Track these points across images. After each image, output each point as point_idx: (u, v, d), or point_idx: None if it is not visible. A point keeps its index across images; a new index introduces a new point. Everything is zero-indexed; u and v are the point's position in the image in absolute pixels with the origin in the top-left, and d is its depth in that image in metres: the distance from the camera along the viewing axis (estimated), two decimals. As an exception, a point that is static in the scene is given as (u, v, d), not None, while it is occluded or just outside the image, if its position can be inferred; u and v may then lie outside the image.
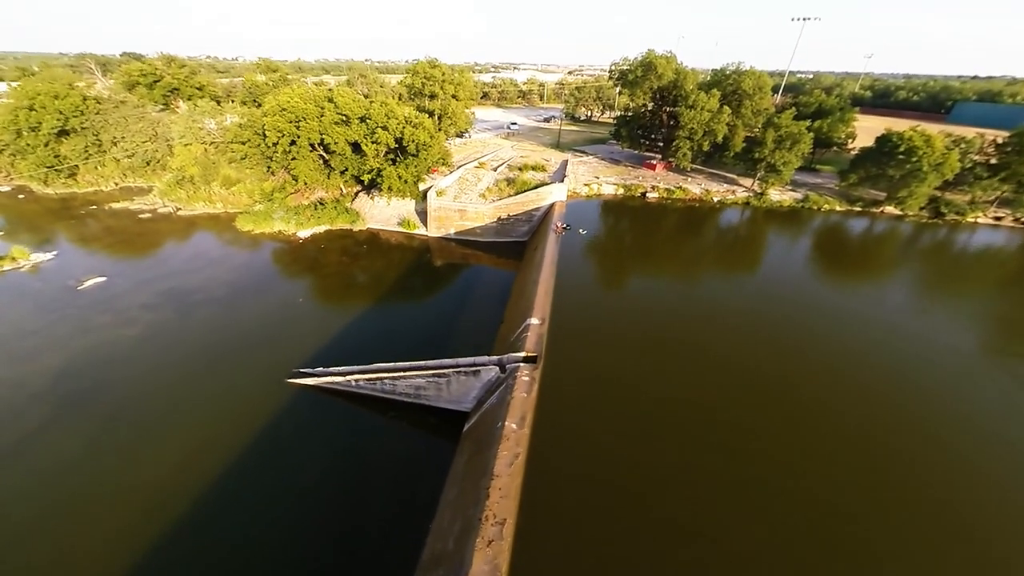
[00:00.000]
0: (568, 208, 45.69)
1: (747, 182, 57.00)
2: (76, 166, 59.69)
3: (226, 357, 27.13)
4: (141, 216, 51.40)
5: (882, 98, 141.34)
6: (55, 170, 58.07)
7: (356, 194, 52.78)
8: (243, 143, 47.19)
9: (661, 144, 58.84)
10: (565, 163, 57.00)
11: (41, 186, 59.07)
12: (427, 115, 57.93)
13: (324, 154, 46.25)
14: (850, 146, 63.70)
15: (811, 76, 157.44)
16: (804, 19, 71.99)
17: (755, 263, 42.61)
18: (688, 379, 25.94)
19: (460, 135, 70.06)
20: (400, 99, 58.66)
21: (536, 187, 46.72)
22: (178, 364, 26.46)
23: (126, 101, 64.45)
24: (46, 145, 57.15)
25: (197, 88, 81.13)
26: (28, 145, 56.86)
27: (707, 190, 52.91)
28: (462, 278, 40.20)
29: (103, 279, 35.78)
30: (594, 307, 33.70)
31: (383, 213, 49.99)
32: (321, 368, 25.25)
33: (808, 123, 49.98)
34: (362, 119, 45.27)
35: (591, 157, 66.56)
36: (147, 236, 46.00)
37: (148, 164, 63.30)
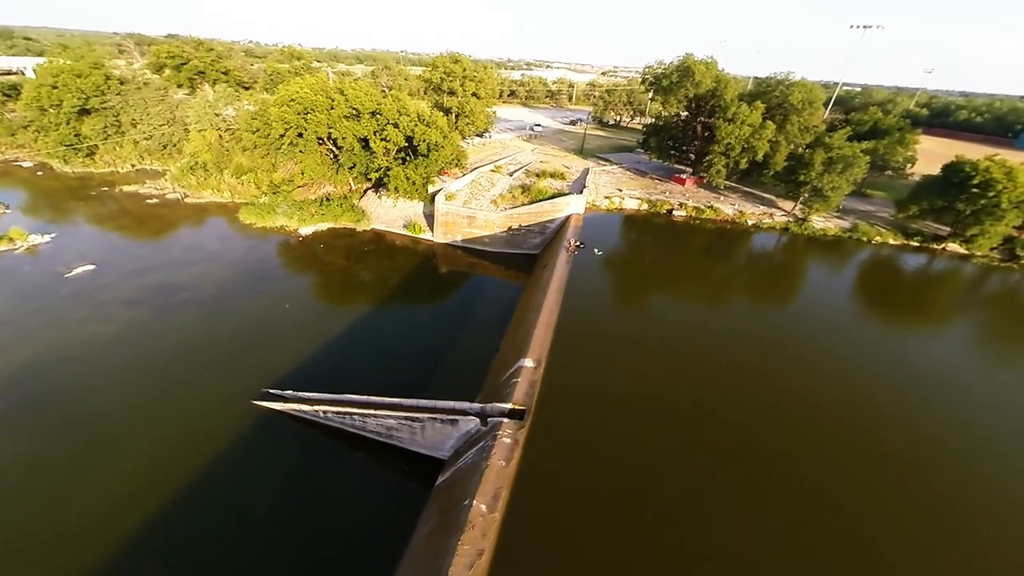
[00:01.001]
0: (585, 222, 42.20)
1: (787, 205, 51.38)
2: (96, 146, 59.72)
3: (198, 369, 25.08)
4: (149, 200, 50.62)
5: (940, 117, 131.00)
6: (74, 149, 58.16)
7: (365, 191, 50.68)
8: (253, 132, 45.57)
9: (692, 157, 54.46)
10: (586, 172, 53.37)
11: (61, 164, 59.30)
12: (444, 113, 55.47)
13: (334, 148, 44.11)
14: (909, 171, 57.63)
15: (859, 89, 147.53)
16: (864, 27, 65.41)
17: (792, 297, 38.16)
18: (713, 463, 20.40)
19: (480, 135, 67.25)
20: (418, 94, 56.23)
21: (552, 197, 43.42)
22: (147, 373, 24.56)
23: (149, 83, 64.25)
24: (67, 123, 57.31)
25: (223, 72, 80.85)
26: (51, 122, 57.15)
27: (741, 211, 47.96)
28: (464, 291, 37.40)
29: (92, 267, 34.53)
30: (602, 348, 28.70)
31: (389, 214, 47.67)
32: (291, 392, 22.85)
33: (862, 144, 44.41)
34: (373, 114, 42.92)
35: (615, 167, 62.30)
36: (149, 222, 44.98)
37: (165, 148, 62.94)
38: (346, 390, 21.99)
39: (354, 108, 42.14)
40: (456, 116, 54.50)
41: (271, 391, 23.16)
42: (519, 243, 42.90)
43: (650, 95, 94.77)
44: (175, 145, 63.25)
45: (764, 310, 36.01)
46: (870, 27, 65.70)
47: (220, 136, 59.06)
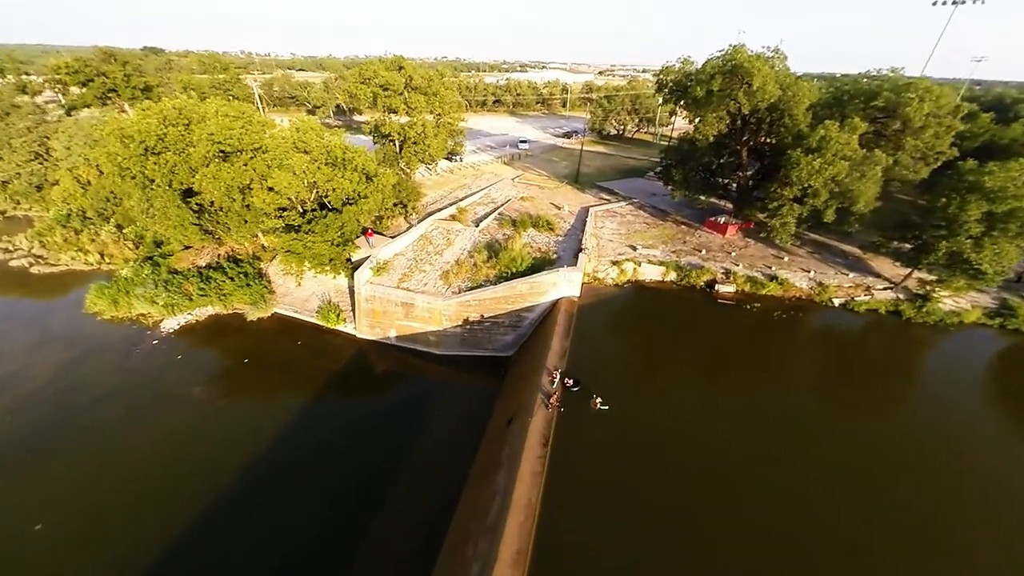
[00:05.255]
0: (582, 314, 27.27)
1: (882, 263, 33.12)
2: (-58, 191, 45.76)
3: None
4: (-26, 273, 36.45)
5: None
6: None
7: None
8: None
9: (735, 193, 38.07)
10: (585, 217, 38.52)
11: None
12: (382, 139, 41.01)
13: (201, 204, 29.71)
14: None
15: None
16: (954, 2, 48.04)
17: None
18: None
19: (449, 158, 52.75)
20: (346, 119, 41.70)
21: (531, 270, 28.80)
22: None
23: (20, 106, 50.31)
24: None
25: (141, 89, 66.77)
26: None
27: (819, 283, 31.06)
28: (396, 424, 23.30)
29: None
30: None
31: (303, 288, 33.24)
32: None
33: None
34: (256, 151, 28.56)
35: (623, 203, 44.52)
36: (-62, 318, 30.76)
37: (40, 189, 48.87)
38: None
39: (223, 143, 27.70)
40: (400, 144, 39.92)
41: None
42: (481, 343, 28.31)
43: (660, 100, 79.92)
44: (56, 184, 49.12)
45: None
46: (961, 2, 48.96)
47: (101, 174, 44.84)
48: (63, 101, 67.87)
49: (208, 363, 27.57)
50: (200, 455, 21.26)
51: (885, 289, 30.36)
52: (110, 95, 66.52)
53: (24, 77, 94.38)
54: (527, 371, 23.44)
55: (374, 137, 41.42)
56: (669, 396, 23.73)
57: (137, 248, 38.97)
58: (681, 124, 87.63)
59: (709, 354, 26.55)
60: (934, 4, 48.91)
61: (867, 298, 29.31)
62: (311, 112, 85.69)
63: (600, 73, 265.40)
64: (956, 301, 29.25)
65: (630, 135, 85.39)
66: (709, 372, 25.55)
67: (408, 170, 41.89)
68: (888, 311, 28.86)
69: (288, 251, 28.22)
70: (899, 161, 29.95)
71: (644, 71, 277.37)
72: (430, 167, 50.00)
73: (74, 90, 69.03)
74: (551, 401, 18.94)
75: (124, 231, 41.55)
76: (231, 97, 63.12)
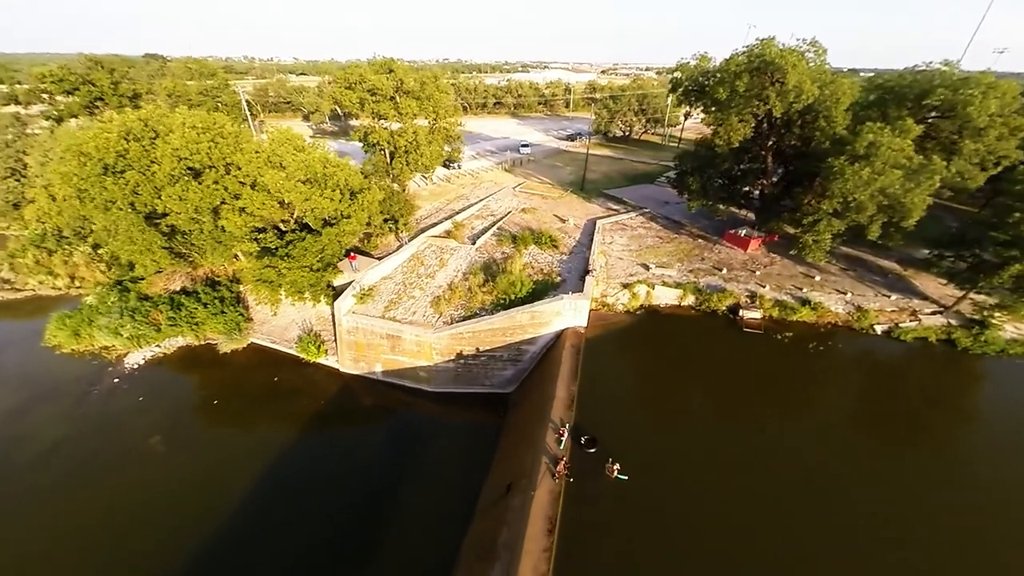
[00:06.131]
0: (591, 347, 23.96)
1: (926, 282, 29.51)
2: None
3: None
4: (-66, 301, 34.02)
5: None
6: None
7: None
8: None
9: (758, 202, 34.29)
10: (592, 231, 35.02)
11: None
12: (370, 148, 38.02)
13: (169, 227, 26.87)
14: None
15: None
16: None
17: None
18: None
19: (446, 165, 49.70)
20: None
21: (532, 296, 25.61)
22: None
23: (-3, 118, 48.02)
24: None
25: (130, 98, 64.49)
26: None
27: (858, 307, 27.32)
28: (380, 478, 20.48)
29: None
30: None
31: (282, 316, 30.31)
32: None
33: None
34: (229, 167, 25.68)
35: (633, 214, 40.53)
36: None
37: (18, 207, 46.54)
38: None
39: (192, 160, 24.85)
40: (390, 154, 36.87)
41: None
42: (477, 378, 25.19)
43: (669, 100, 76.13)
44: (33, 202, 46.76)
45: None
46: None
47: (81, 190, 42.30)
48: (45, 111, 65.79)
49: (173, 405, 24.69)
50: (153, 522, 18.35)
51: (933, 313, 26.60)
52: (97, 104, 64.40)
53: (17, 87, 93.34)
54: (528, 421, 20.26)
55: (363, 146, 38.49)
56: (699, 458, 19.30)
57: (110, 270, 36.34)
58: (691, 124, 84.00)
59: (739, 399, 22.64)
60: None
61: (914, 324, 25.62)
62: (306, 118, 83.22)
63: (603, 72, 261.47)
64: (1017, 327, 25.52)
65: (637, 136, 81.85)
66: (741, 423, 21.48)
67: (400, 181, 38.86)
68: (939, 339, 25.15)
69: (259, 280, 25.27)
70: (958, 167, 25.96)
71: (647, 69, 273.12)
72: (425, 176, 47.01)
73: (61, 99, 67.00)
74: (558, 469, 15.74)
75: (100, 251, 39.01)
76: (219, 104, 60.63)
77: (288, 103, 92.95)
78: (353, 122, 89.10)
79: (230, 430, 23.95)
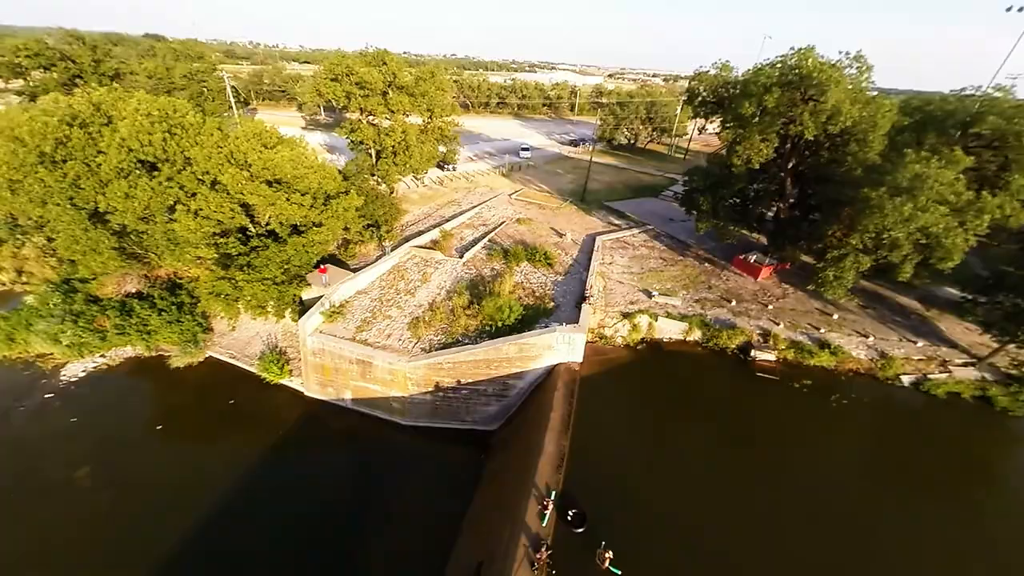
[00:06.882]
0: (585, 388, 21.20)
1: (952, 324, 27.38)
2: None
3: None
4: None
5: None
6: None
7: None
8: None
9: (771, 226, 31.72)
10: (591, 248, 32.16)
11: None
12: (357, 145, 35.13)
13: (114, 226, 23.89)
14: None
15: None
16: None
17: None
18: None
19: (441, 166, 46.84)
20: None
21: (520, 325, 22.89)
22: None
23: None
24: None
25: (110, 76, 60.89)
26: None
27: (882, 352, 24.74)
28: (339, 527, 17.40)
29: None
30: None
31: (245, 329, 27.39)
32: None
33: None
34: (188, 161, 22.74)
35: (636, 231, 37.88)
36: None
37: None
38: None
39: (139, 152, 21.90)
40: (376, 154, 33.96)
41: None
42: (457, 413, 22.47)
43: (679, 109, 73.54)
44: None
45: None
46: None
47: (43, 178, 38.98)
48: (20, 88, 62.18)
49: (109, 430, 21.73)
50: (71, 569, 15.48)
51: (965, 365, 24.16)
52: (76, 81, 60.83)
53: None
54: (508, 482, 17.54)
55: (349, 143, 35.58)
56: (712, 543, 16.05)
57: (61, 266, 33.18)
58: (698, 135, 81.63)
59: (761, 462, 19.85)
60: (1008, 10, 42.64)
61: (944, 376, 23.17)
62: (299, 108, 79.93)
63: (610, 76, 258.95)
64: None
65: (642, 145, 79.33)
66: (763, 497, 18.25)
67: (386, 183, 35.94)
68: (973, 396, 22.73)
69: (213, 293, 22.36)
70: (998, 202, 23.20)
71: (655, 76, 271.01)
72: (416, 178, 44.18)
73: (37, 75, 63.34)
74: (538, 556, 13.03)
75: (54, 243, 35.80)
76: (205, 89, 57.35)
77: (283, 92, 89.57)
78: (349, 115, 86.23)
79: (173, 460, 20.99)
